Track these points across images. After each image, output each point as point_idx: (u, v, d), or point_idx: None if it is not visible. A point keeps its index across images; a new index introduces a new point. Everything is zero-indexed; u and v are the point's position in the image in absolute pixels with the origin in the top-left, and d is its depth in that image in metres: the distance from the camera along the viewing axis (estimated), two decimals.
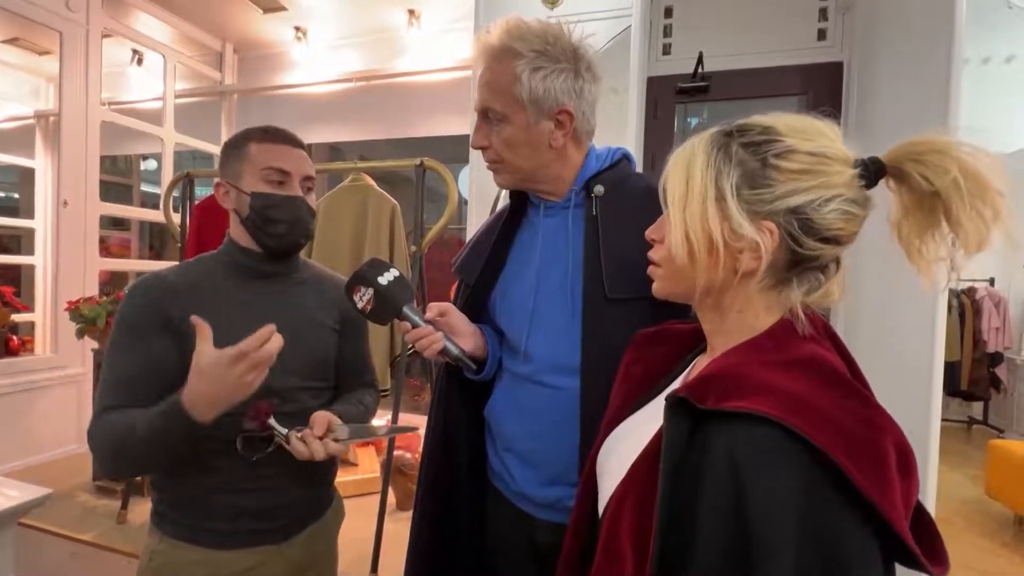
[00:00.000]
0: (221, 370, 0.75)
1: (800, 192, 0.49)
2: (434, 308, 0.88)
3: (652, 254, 0.61)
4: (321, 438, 0.87)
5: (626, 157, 0.92)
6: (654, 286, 0.62)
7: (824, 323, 0.54)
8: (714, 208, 0.50)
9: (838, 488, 0.40)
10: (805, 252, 0.50)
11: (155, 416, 0.79)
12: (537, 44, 0.81)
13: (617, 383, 0.70)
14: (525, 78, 0.80)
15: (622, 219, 0.84)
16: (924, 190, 0.48)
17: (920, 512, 0.46)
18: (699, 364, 0.63)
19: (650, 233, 0.62)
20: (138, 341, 0.88)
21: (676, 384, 0.63)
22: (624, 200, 0.86)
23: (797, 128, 0.52)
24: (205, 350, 0.76)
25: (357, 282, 0.88)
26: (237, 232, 0.97)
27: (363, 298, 0.87)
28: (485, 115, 0.86)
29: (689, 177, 0.52)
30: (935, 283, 0.50)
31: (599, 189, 0.86)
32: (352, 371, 1.08)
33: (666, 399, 0.47)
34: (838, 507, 0.39)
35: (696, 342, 0.66)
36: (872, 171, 0.51)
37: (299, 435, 0.86)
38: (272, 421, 0.87)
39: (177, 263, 1.00)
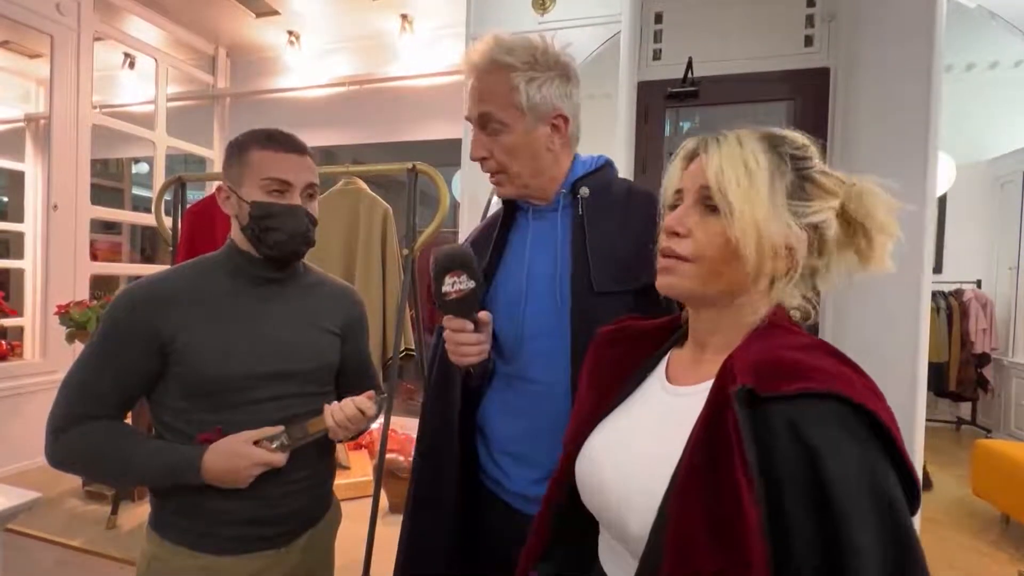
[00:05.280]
0: (245, 462, 0.85)
1: (824, 210, 0.54)
2: (483, 315, 0.85)
3: (677, 247, 0.56)
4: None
5: (609, 163, 0.95)
6: (669, 281, 0.58)
7: (786, 313, 0.58)
8: (773, 209, 0.53)
9: (886, 454, 0.45)
10: (812, 262, 0.56)
11: (164, 463, 0.85)
12: (526, 56, 0.85)
13: (585, 384, 0.70)
14: (523, 87, 0.84)
15: (607, 219, 0.88)
16: (856, 220, 0.55)
17: None
18: (676, 358, 0.64)
19: (674, 225, 0.57)
20: (116, 353, 0.87)
21: (658, 374, 0.63)
22: (608, 202, 0.90)
23: (815, 150, 0.57)
24: (251, 451, 0.86)
25: (458, 266, 0.80)
26: (238, 237, 0.96)
27: (456, 285, 0.80)
28: (483, 126, 0.87)
29: (750, 176, 0.53)
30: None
31: (584, 191, 0.89)
32: (356, 375, 1.08)
33: (737, 391, 0.47)
34: (887, 471, 0.44)
35: (658, 337, 0.68)
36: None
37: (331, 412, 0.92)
38: (273, 440, 0.88)
39: (174, 266, 0.99)
